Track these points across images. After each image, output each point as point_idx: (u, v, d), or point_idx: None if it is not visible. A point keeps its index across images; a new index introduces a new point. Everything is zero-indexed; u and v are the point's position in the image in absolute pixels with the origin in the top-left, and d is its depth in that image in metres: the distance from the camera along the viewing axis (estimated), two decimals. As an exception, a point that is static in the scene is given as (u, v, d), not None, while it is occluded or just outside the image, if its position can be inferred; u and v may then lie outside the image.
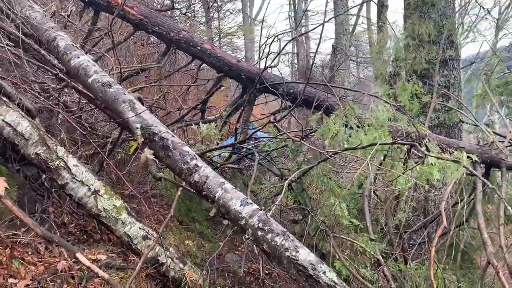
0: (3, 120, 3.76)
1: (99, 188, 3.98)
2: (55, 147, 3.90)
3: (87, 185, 3.93)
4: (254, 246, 3.56)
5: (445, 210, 3.58)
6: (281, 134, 4.06)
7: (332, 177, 3.58)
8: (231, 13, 24.92)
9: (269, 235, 2.24)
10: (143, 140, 2.61)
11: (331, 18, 8.83)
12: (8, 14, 3.81)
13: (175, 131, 4.33)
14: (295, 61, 23.92)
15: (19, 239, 3.64)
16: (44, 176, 4.60)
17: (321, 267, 2.15)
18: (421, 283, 3.94)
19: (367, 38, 24.78)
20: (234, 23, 24.90)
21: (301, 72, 20.35)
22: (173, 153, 2.54)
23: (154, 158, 2.50)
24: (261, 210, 2.34)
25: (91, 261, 3.88)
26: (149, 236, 4.07)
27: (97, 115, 6.48)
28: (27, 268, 3.41)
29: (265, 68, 4.38)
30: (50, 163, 3.82)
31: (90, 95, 3.77)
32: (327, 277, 2.11)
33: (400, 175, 2.91)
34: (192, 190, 2.57)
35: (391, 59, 5.24)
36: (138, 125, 2.65)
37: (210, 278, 4.34)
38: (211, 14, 23.12)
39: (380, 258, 3.69)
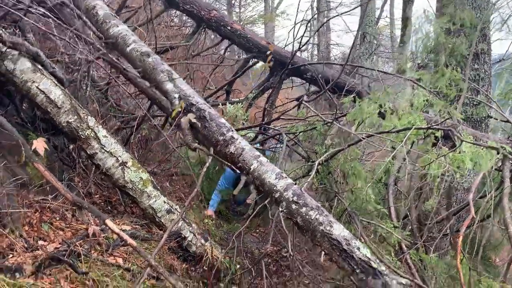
0: (37, 87, 3.81)
1: (127, 160, 4.03)
2: (86, 117, 3.94)
3: (115, 156, 3.98)
4: (279, 225, 3.58)
5: (472, 201, 3.55)
6: (311, 116, 4.04)
7: (359, 162, 3.56)
8: (253, 1, 24.85)
9: (304, 209, 2.25)
10: (180, 110, 2.63)
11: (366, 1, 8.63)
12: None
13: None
14: (315, 52, 23.77)
15: (48, 205, 3.71)
16: (71, 146, 4.68)
17: (355, 243, 2.15)
18: (442, 273, 3.93)
19: (388, 32, 24.48)
20: (255, 11, 24.83)
21: (321, 63, 20.16)
22: (210, 124, 2.56)
23: (196, 122, 2.51)
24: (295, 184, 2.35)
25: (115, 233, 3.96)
26: (173, 210, 4.12)
27: (122, 92, 6.53)
28: (55, 232, 3.48)
29: (298, 49, 4.33)
30: (80, 132, 3.87)
31: (123, 67, 3.79)
32: (361, 252, 2.11)
33: (433, 160, 2.88)
34: (225, 161, 2.58)
35: (420, 49, 5.18)
36: (176, 95, 2.67)
37: (230, 256, 4.39)
38: (233, 1, 23.07)
39: (403, 245, 3.68)
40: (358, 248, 2.12)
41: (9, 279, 2.62)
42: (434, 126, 3.00)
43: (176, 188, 5.75)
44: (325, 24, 18.63)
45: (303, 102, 4.13)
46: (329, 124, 3.73)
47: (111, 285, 2.93)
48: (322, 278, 4.35)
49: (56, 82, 3.95)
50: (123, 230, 3.94)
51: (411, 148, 3.74)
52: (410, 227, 4.26)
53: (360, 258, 2.08)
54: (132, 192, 4.00)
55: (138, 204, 4.06)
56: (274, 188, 2.32)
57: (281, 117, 4.55)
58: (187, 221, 4.23)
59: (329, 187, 3.63)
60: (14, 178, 3.55)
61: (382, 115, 3.61)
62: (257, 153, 2.46)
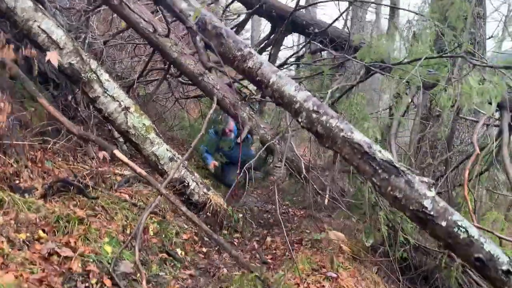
0: (38, 27, 3.71)
1: (130, 105, 3.96)
2: (88, 59, 3.87)
3: (118, 101, 3.91)
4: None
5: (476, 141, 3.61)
6: (319, 60, 4.03)
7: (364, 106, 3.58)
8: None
9: (324, 117, 2.25)
10: (195, 27, 2.60)
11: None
12: None
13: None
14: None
15: (49, 146, 3.64)
16: (70, 97, 4.60)
17: (375, 147, 2.17)
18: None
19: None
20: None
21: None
22: (226, 40, 2.54)
23: (209, 44, 2.48)
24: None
25: (118, 174, 3.91)
26: (175, 158, 4.07)
27: (117, 55, 6.45)
28: (59, 169, 3.42)
29: (297, 5, 4.27)
30: (83, 74, 3.79)
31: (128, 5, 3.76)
32: (382, 154, 2.13)
33: (446, 86, 2.91)
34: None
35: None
36: (192, 13, 2.64)
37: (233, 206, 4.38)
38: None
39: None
40: (380, 151, 2.13)
41: (19, 198, 2.56)
42: (447, 54, 3.02)
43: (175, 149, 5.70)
44: None
45: (312, 42, 4.09)
46: (336, 67, 3.72)
47: (120, 213, 2.89)
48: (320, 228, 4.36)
49: (57, 23, 3.87)
50: (124, 175, 3.91)
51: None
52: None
53: (382, 159, 2.10)
54: (134, 138, 3.94)
55: (140, 151, 4.00)
56: (294, 99, 2.31)
57: (287, 62, 4.53)
58: (189, 169, 4.20)
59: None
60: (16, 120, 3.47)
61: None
62: (275, 68, 2.45)
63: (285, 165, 3.91)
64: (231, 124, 5.05)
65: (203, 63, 2.64)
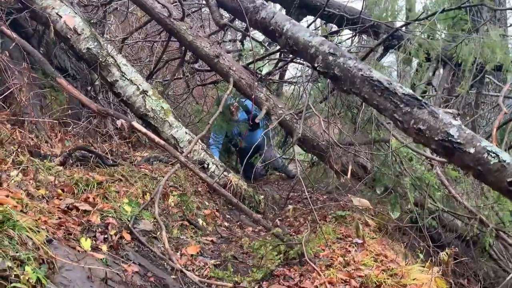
0: (57, 13, 3.81)
1: (148, 89, 3.99)
2: (105, 44, 3.93)
3: (136, 85, 3.94)
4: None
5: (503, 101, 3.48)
6: (335, 31, 3.97)
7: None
8: None
9: (341, 59, 2.20)
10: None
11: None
12: None
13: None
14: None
15: (69, 128, 3.69)
16: (89, 87, 4.67)
17: (396, 84, 2.10)
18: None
19: None
20: None
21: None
22: (239, -5, 2.54)
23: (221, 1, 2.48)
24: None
25: (139, 157, 3.91)
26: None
27: (135, 55, 6.53)
28: (79, 148, 3.44)
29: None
30: (101, 59, 3.84)
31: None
32: (403, 89, 2.05)
33: (466, 37, 2.82)
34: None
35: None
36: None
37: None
38: None
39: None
40: (400, 87, 2.06)
41: (38, 161, 2.57)
42: (465, 5, 2.93)
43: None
44: None
45: (326, 8, 4.01)
46: (355, 36, 3.66)
47: (140, 182, 2.87)
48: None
49: (75, 10, 3.96)
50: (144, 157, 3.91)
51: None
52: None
53: (403, 93, 2.02)
54: (153, 121, 3.95)
55: (159, 134, 3.99)
56: (309, 44, 2.28)
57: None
58: (209, 152, 4.17)
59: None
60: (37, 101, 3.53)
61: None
62: (288, 17, 2.42)
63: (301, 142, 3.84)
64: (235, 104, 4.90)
65: (215, 20, 2.64)
